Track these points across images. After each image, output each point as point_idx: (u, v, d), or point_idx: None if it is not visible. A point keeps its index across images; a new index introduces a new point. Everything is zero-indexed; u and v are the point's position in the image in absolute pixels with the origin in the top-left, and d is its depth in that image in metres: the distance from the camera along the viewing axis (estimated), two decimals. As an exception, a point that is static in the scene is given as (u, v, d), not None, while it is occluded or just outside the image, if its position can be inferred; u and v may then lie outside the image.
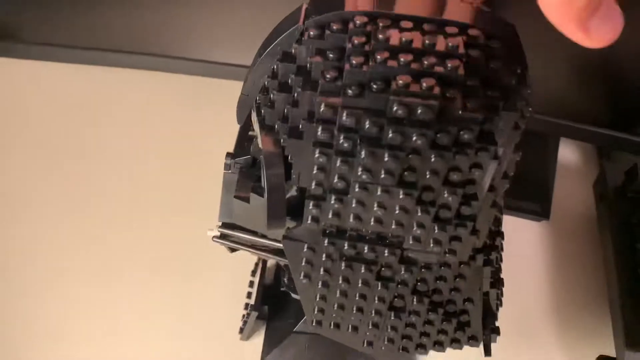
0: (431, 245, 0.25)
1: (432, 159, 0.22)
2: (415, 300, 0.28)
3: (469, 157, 0.22)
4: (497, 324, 0.37)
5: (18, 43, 0.54)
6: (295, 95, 0.23)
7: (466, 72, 0.21)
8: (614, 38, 0.24)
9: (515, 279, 0.47)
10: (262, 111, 0.24)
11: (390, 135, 0.21)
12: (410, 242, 0.24)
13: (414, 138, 0.21)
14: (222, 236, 0.30)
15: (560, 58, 0.47)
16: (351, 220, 0.24)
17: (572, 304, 0.47)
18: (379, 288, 0.27)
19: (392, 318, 0.29)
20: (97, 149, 0.52)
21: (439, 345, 0.32)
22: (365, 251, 0.26)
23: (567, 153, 0.56)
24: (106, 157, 0.52)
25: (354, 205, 0.23)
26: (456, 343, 0.32)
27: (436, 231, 0.24)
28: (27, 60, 0.55)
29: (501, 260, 0.35)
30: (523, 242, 0.50)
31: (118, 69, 0.54)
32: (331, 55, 0.22)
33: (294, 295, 0.37)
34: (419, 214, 0.23)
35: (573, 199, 0.53)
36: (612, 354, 0.41)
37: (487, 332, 0.32)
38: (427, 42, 0.21)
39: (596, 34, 0.24)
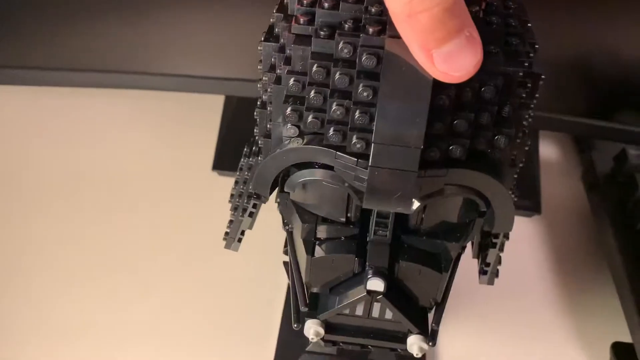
0: None
1: None
2: None
3: None
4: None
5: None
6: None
7: None
8: (465, 76, 0.22)
9: (518, 275, 0.48)
10: None
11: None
12: None
13: None
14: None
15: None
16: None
17: (579, 294, 0.47)
18: None
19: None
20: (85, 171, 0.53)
21: None
22: None
23: (547, 147, 0.58)
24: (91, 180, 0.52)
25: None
26: None
27: None
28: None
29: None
30: (519, 238, 0.50)
31: (88, 89, 0.55)
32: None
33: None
34: None
35: (560, 191, 0.54)
36: (628, 339, 0.41)
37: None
38: None
39: (444, 65, 0.21)
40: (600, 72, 0.49)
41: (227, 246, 0.35)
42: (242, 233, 0.34)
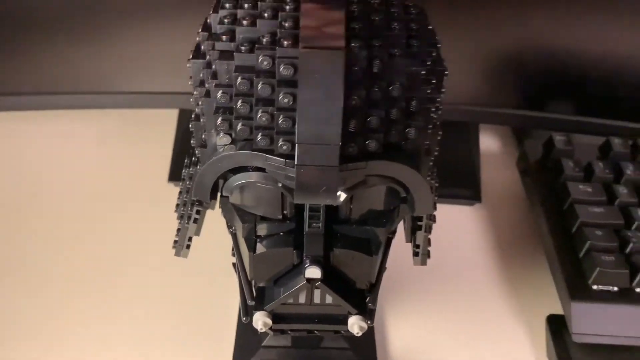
0: None
1: None
2: None
3: None
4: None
5: None
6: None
7: None
8: None
9: (462, 259, 0.51)
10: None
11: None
12: None
13: None
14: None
15: (469, 49, 0.51)
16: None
17: (517, 273, 0.51)
18: None
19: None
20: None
21: None
22: None
23: (487, 139, 0.61)
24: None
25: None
26: None
27: None
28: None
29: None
30: (462, 226, 0.54)
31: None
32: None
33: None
34: None
35: (499, 179, 0.58)
36: (561, 311, 0.44)
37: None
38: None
39: None
40: (529, 67, 0.53)
41: (177, 253, 0.37)
42: (190, 240, 0.36)
